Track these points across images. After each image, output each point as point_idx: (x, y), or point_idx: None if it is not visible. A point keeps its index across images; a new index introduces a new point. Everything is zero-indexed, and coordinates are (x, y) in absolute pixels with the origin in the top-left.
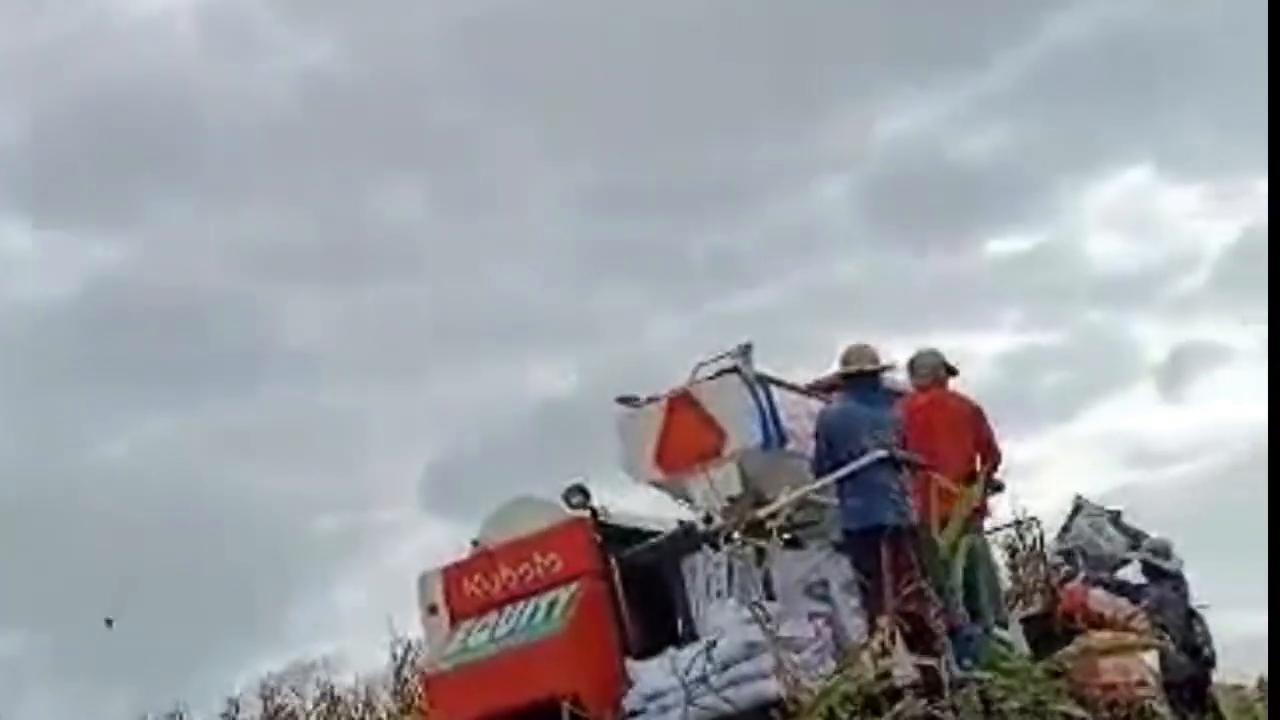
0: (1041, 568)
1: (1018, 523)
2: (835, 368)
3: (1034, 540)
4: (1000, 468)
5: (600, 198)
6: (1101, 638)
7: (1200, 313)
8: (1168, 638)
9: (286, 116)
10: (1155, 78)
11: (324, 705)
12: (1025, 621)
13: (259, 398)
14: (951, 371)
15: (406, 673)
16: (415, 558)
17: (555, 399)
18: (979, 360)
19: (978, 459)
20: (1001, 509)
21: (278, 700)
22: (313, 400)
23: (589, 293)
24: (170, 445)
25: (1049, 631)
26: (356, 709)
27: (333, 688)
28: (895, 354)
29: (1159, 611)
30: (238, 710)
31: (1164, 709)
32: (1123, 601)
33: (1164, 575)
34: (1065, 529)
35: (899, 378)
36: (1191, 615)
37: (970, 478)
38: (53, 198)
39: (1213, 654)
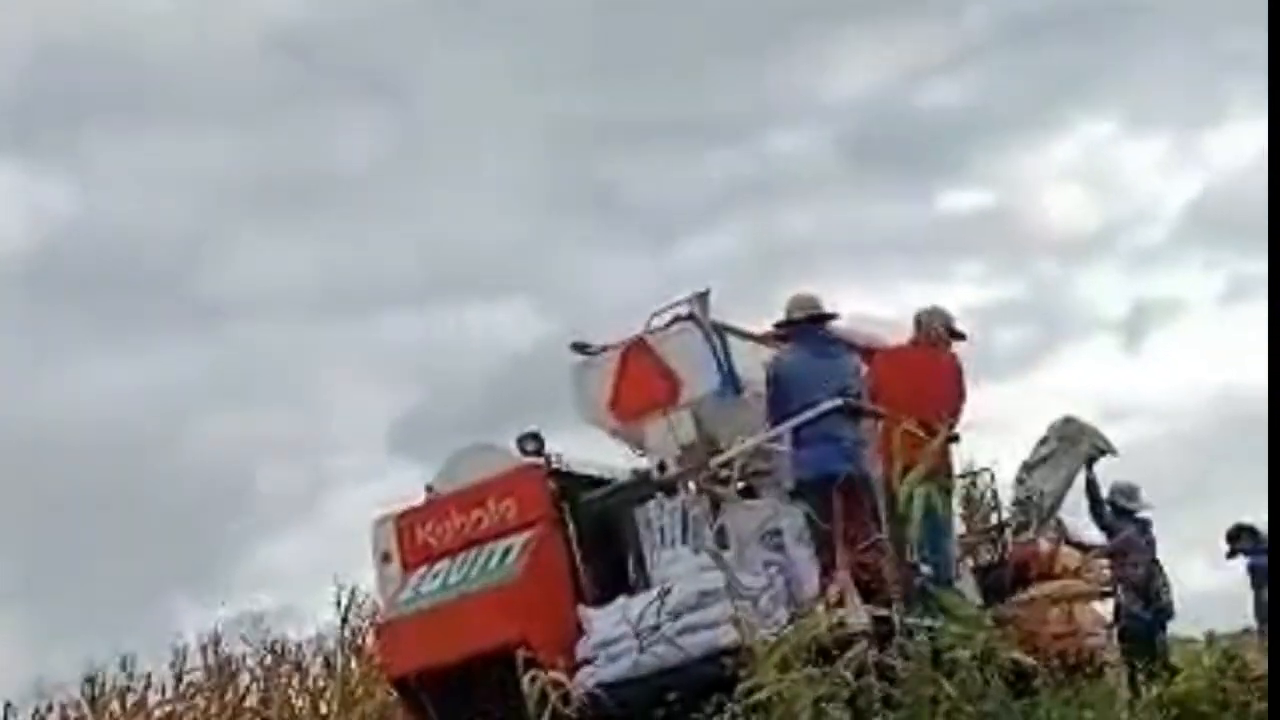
0: (994, 518)
1: (971, 473)
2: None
3: (987, 491)
4: (960, 421)
5: (560, 140)
6: (1052, 587)
7: (1160, 267)
8: (1129, 582)
9: (238, 53)
10: (1119, 32)
11: (269, 656)
12: (977, 571)
13: (211, 340)
14: (956, 335)
15: (357, 621)
16: (375, 506)
17: (516, 345)
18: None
19: (948, 417)
20: (959, 461)
21: (224, 650)
22: (268, 343)
23: (548, 237)
24: (124, 390)
25: (1000, 581)
26: (305, 659)
27: (283, 638)
28: (851, 306)
29: (1124, 553)
30: (185, 659)
31: (1113, 657)
32: (1074, 551)
33: (1130, 517)
34: (1020, 480)
35: (862, 328)
36: (1154, 563)
37: (937, 431)
38: None
39: (1170, 604)
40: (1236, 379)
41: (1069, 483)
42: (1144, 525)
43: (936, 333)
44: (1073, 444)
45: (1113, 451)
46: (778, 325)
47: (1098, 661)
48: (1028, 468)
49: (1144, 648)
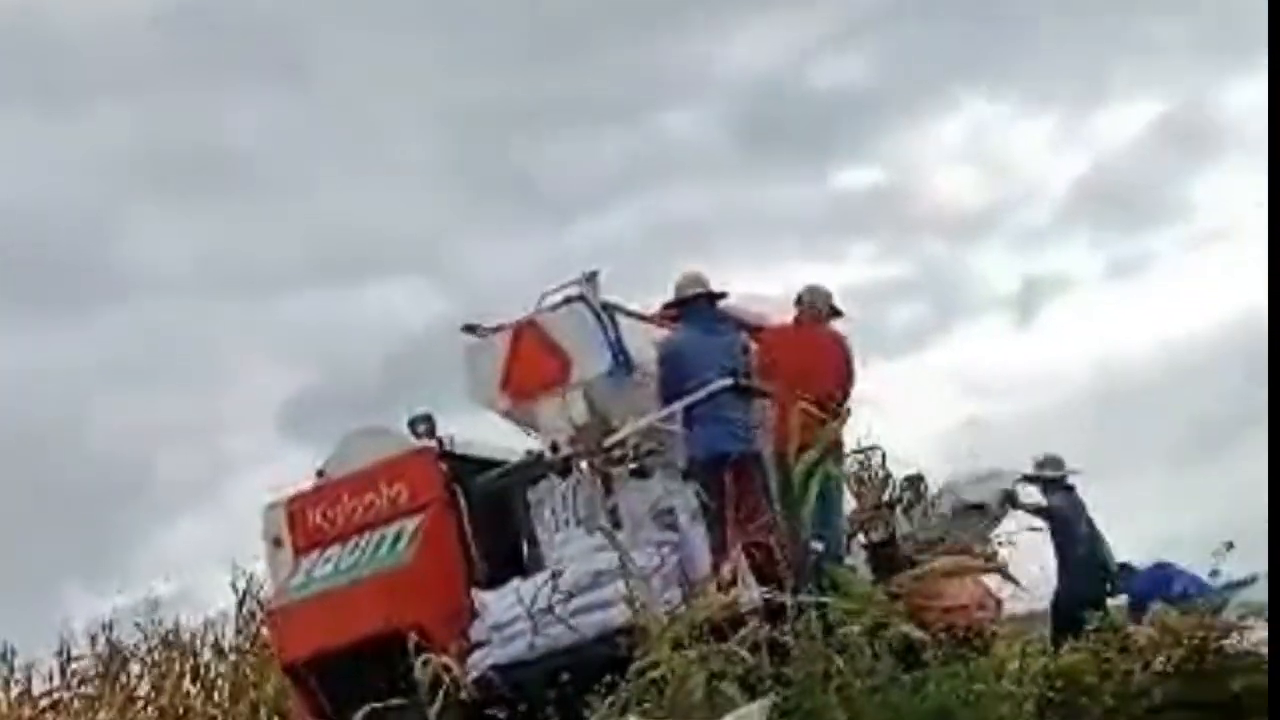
0: (884, 495)
1: (862, 450)
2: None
3: (877, 469)
4: (850, 399)
5: (455, 120)
6: (942, 562)
7: (1049, 245)
8: (1077, 552)
9: (139, 22)
10: (1008, 11)
11: (161, 644)
12: (868, 548)
13: (103, 321)
14: (836, 312)
15: (250, 607)
16: (268, 490)
17: (410, 326)
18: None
19: (839, 394)
20: (848, 439)
21: (114, 639)
22: (162, 324)
23: (444, 218)
24: (13, 372)
25: (891, 558)
26: (198, 646)
27: (176, 625)
28: (744, 286)
29: (1066, 524)
30: (69, 649)
31: (1002, 629)
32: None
33: (1061, 487)
34: (925, 513)
35: (752, 306)
36: (1092, 525)
37: (830, 410)
38: None
39: (1113, 572)
40: (1120, 353)
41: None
42: (1071, 490)
43: (818, 310)
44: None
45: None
46: (667, 305)
47: (987, 635)
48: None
49: (1075, 622)
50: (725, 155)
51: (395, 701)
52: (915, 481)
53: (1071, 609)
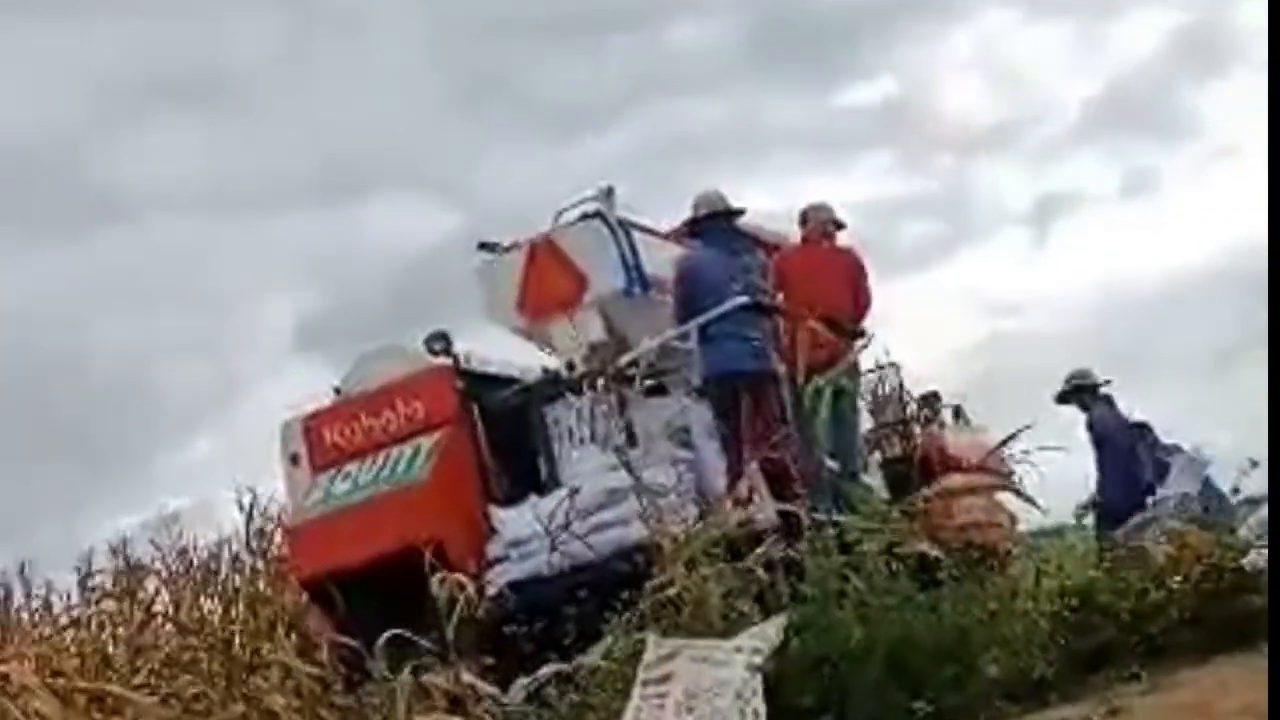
0: (900, 411)
1: (878, 367)
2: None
3: (893, 385)
4: (867, 318)
5: (460, 34)
6: (959, 480)
7: (1063, 161)
8: (1119, 462)
9: None
10: None
11: (177, 560)
12: (884, 466)
13: (107, 239)
14: (839, 226)
15: (264, 525)
16: (282, 408)
17: (422, 243)
18: (838, 208)
19: (852, 312)
20: (865, 357)
21: (132, 555)
22: (165, 243)
23: (453, 133)
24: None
25: (907, 475)
26: (213, 563)
27: (191, 542)
28: (756, 201)
29: (1108, 435)
30: (90, 565)
31: (1017, 548)
32: (983, 441)
33: (1095, 395)
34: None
35: (770, 225)
36: (1134, 429)
37: (842, 328)
38: None
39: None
40: (1132, 271)
41: None
42: (1110, 402)
43: (824, 227)
44: None
45: None
46: (686, 223)
47: (1002, 552)
48: None
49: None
50: (735, 67)
51: (411, 618)
52: (932, 398)
53: (1111, 524)
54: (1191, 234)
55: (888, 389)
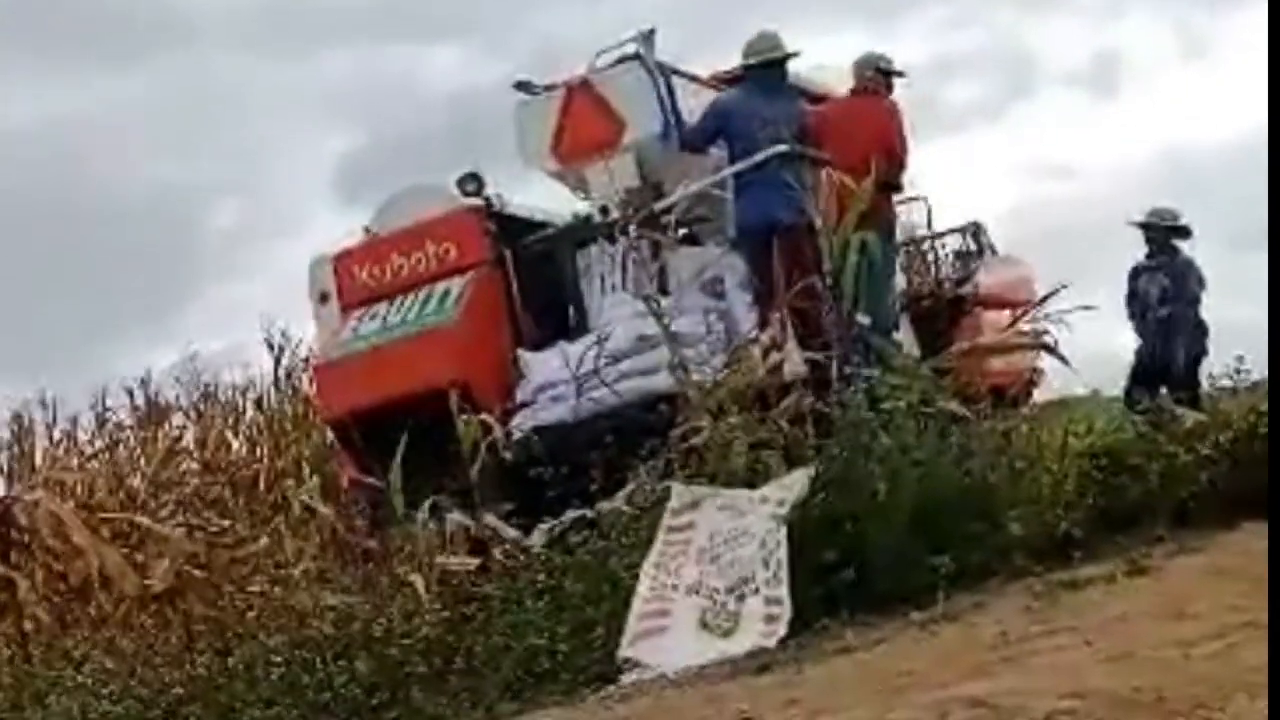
0: (930, 247)
1: (905, 199)
2: (739, 59)
3: (923, 223)
4: (903, 171)
5: None
6: (990, 337)
7: (1123, 19)
8: (1188, 313)
9: None
10: None
11: (202, 398)
12: (915, 321)
13: (145, 71)
14: (894, 75)
15: (289, 365)
16: (314, 248)
17: (461, 86)
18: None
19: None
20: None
21: (156, 392)
22: (205, 76)
23: None
24: (54, 120)
25: (935, 313)
26: (238, 403)
27: (216, 380)
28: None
29: (1188, 287)
30: (105, 400)
31: (1047, 408)
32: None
33: (1178, 233)
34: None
35: (818, 76)
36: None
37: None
38: None
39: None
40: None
41: None
42: (1176, 253)
43: (875, 80)
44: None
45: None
46: (743, 68)
47: (1031, 408)
48: None
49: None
50: None
51: (438, 458)
52: (977, 229)
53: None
54: (1249, 101)
55: (920, 224)
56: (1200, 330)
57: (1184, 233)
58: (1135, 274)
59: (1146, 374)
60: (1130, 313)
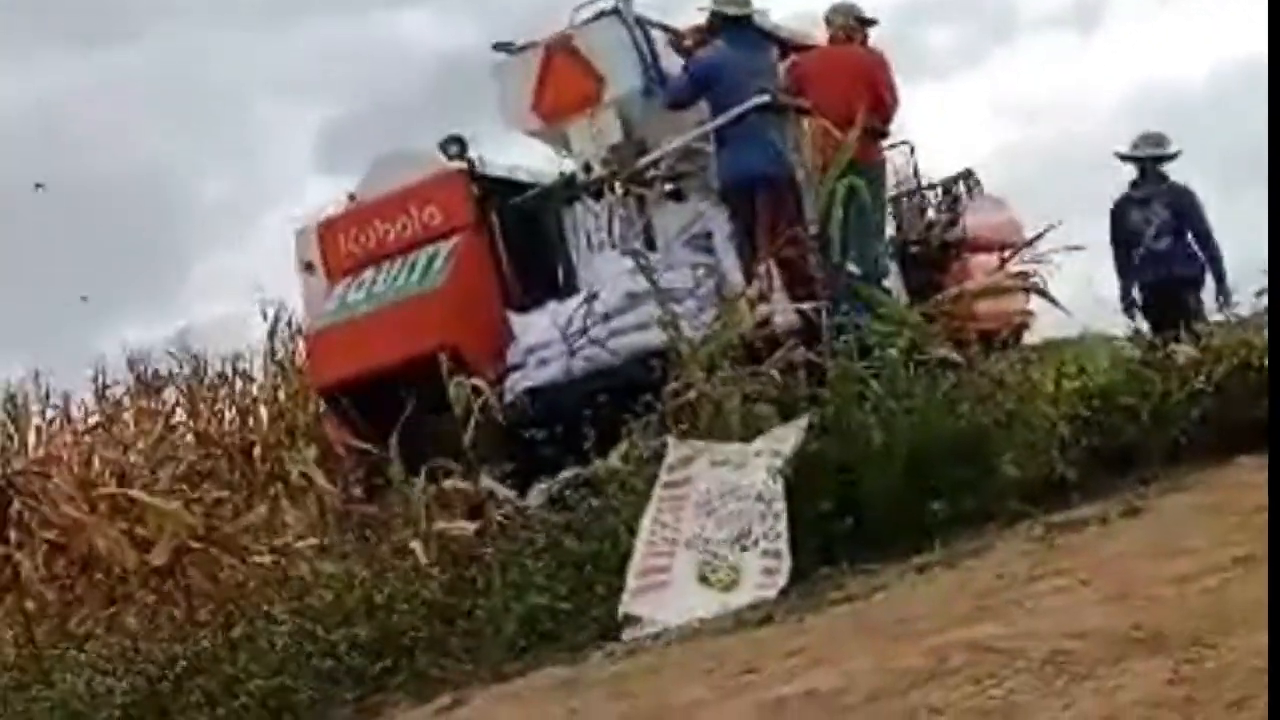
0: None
1: (891, 145)
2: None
3: (908, 165)
4: (890, 119)
5: None
6: (979, 282)
7: None
8: (1187, 235)
9: None
10: None
11: (194, 372)
12: (898, 251)
13: (132, 43)
14: (868, 23)
15: (282, 336)
16: (300, 217)
17: (440, 52)
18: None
19: (870, 116)
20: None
21: (148, 367)
22: (188, 50)
23: None
24: (37, 97)
25: (924, 259)
26: (231, 374)
27: (207, 352)
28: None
29: (1191, 206)
30: (104, 374)
31: (1039, 351)
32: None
33: (1156, 176)
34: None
35: (794, 25)
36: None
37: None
38: None
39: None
40: (1168, 76)
41: None
42: (1164, 181)
43: (849, 27)
44: None
45: None
46: (712, 17)
47: (1023, 350)
48: None
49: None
50: None
51: (430, 424)
52: (967, 177)
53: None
54: (1230, 40)
55: (905, 168)
56: (1215, 261)
57: (1171, 158)
58: (1121, 206)
59: (1145, 309)
60: (1117, 247)
